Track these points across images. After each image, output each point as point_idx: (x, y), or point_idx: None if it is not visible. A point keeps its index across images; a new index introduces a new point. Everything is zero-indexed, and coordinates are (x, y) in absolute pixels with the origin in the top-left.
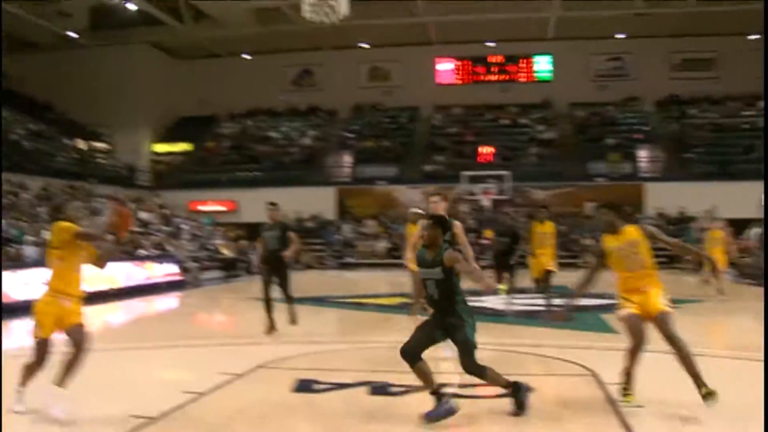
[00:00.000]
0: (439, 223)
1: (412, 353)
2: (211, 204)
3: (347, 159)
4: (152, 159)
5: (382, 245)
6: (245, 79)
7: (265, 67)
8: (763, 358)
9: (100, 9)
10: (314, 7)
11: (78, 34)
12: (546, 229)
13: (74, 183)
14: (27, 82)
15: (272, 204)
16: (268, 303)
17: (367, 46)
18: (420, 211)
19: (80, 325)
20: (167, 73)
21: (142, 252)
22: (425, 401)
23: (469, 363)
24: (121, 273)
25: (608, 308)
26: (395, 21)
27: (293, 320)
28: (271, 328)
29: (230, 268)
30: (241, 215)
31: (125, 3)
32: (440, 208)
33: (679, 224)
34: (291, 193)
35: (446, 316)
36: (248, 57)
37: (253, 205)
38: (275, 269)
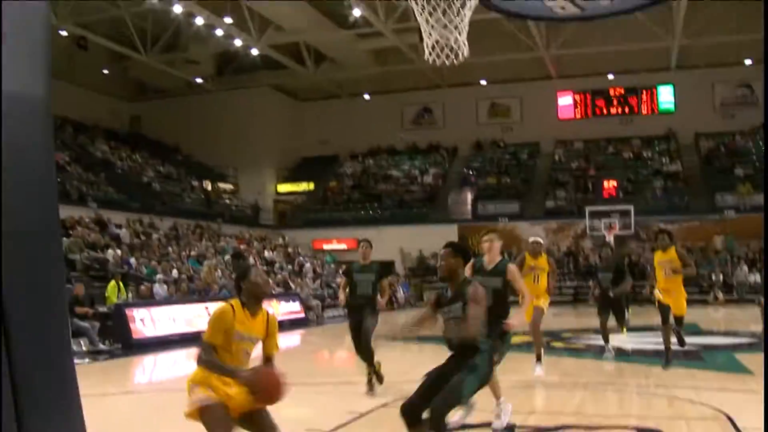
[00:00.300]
0: (460, 252)
1: (410, 411)
2: (335, 243)
3: (469, 196)
4: (276, 199)
5: None
6: (366, 118)
7: (385, 106)
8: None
9: (225, 55)
10: (435, 51)
11: (204, 79)
12: (670, 256)
13: (201, 222)
14: (157, 127)
15: (366, 242)
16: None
17: (486, 83)
18: (540, 240)
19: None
20: (290, 114)
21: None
22: None
23: (438, 412)
24: None
25: (742, 347)
26: (514, 56)
27: (371, 381)
28: (370, 383)
29: None
30: None
31: (249, 49)
32: (494, 248)
33: None
34: (413, 231)
35: (464, 361)
36: (368, 97)
37: (376, 243)
38: (363, 317)
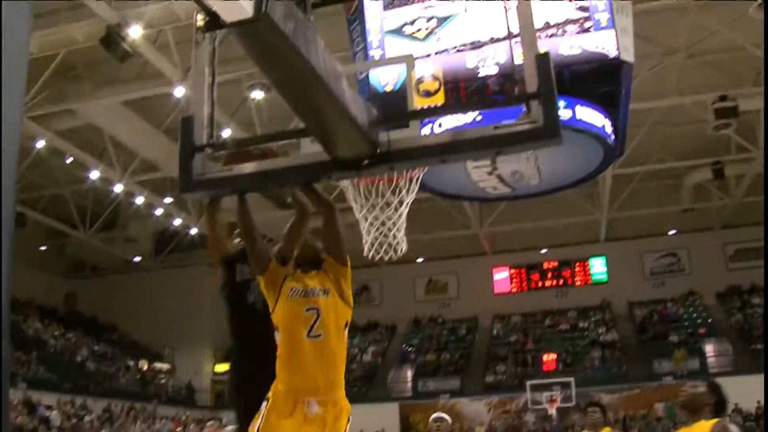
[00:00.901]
0: None
1: None
2: None
3: (408, 373)
4: (213, 379)
5: None
6: None
7: None
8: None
9: (164, 234)
10: (375, 246)
11: (142, 257)
12: None
13: (136, 404)
14: (93, 305)
15: (440, 420)
16: None
17: (422, 260)
18: (444, 416)
19: None
20: None
21: None
22: None
23: None
24: None
25: None
26: (449, 234)
27: None
28: None
29: None
30: None
31: (188, 228)
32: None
33: (758, 420)
34: (354, 411)
35: None
36: None
37: None
38: None
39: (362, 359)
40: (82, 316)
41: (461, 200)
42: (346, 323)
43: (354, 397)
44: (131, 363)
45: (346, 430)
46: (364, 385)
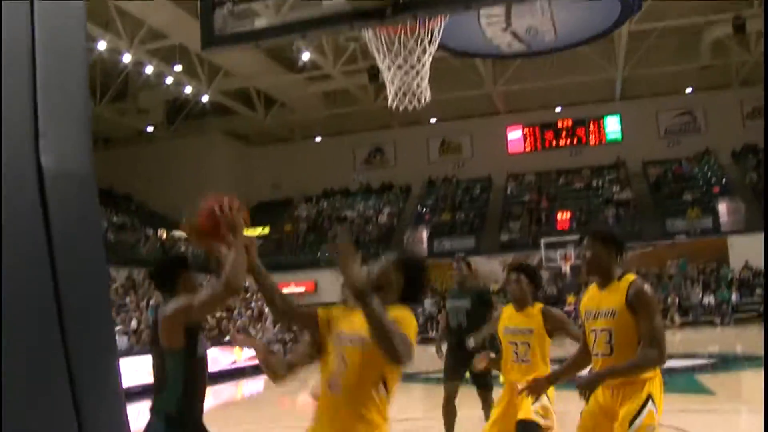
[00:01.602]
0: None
1: None
2: (292, 286)
3: (424, 234)
4: None
5: None
6: (318, 161)
7: (337, 148)
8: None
9: (175, 103)
10: (399, 96)
11: (155, 127)
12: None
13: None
14: (109, 177)
15: (462, 260)
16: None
17: (435, 121)
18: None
19: None
20: (242, 160)
21: (227, 337)
22: None
23: None
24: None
25: (702, 369)
26: (463, 94)
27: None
28: None
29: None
30: (321, 296)
31: (199, 96)
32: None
33: None
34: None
35: None
36: (320, 139)
37: (333, 285)
38: (461, 356)
39: (378, 221)
40: (98, 188)
41: (476, 58)
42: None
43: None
44: (150, 232)
45: None
46: (380, 246)
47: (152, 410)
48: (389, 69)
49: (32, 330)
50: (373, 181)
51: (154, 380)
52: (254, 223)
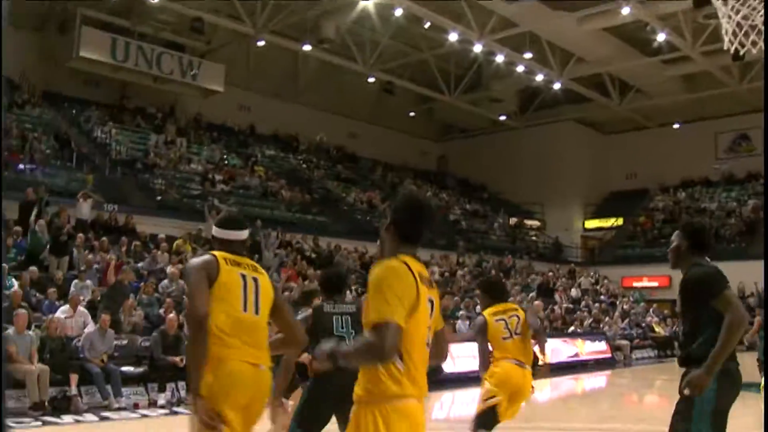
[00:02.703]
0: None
1: None
2: (645, 280)
3: None
4: (583, 235)
5: None
6: (676, 149)
7: (697, 134)
8: None
9: (527, 91)
10: (738, 37)
11: (508, 117)
12: None
13: (504, 260)
14: (463, 166)
15: None
16: None
17: None
18: None
19: None
20: (595, 148)
21: (571, 328)
22: None
23: None
24: (549, 348)
25: None
26: None
27: None
28: None
29: (664, 347)
30: (674, 291)
31: (551, 84)
32: None
33: None
34: (730, 268)
35: None
36: (678, 126)
37: None
38: None
39: (741, 213)
40: (453, 176)
41: None
42: None
43: (731, 254)
44: (501, 220)
45: None
46: (743, 240)
47: None
48: (725, 4)
49: None
50: (737, 170)
51: None
52: (608, 213)
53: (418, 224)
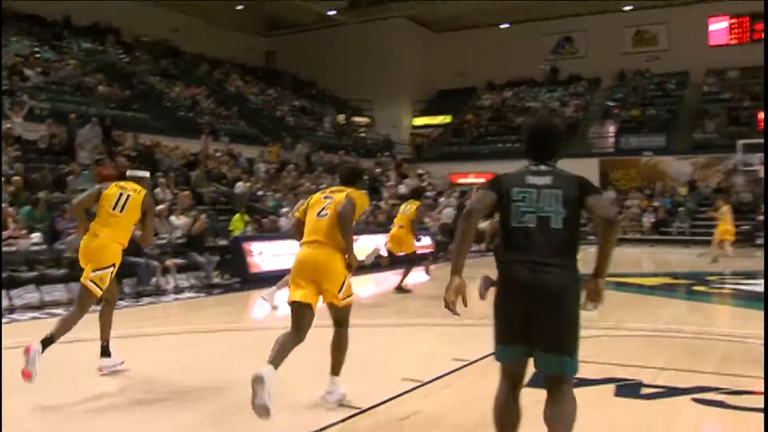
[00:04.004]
0: None
1: None
2: (471, 176)
3: (611, 129)
4: (411, 132)
5: (647, 220)
6: (504, 49)
7: (524, 36)
8: None
9: None
10: None
11: (338, 11)
12: None
13: (334, 156)
14: (292, 62)
15: None
16: None
17: (630, 8)
18: None
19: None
20: (425, 46)
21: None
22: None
23: None
24: (370, 244)
25: None
26: None
27: None
28: None
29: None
30: None
31: None
32: None
33: None
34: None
35: None
36: (507, 26)
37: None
38: None
39: (563, 113)
40: (281, 72)
41: None
42: None
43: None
44: (330, 117)
45: None
46: (564, 140)
47: None
48: None
49: None
50: (561, 71)
51: None
52: (436, 111)
53: None
